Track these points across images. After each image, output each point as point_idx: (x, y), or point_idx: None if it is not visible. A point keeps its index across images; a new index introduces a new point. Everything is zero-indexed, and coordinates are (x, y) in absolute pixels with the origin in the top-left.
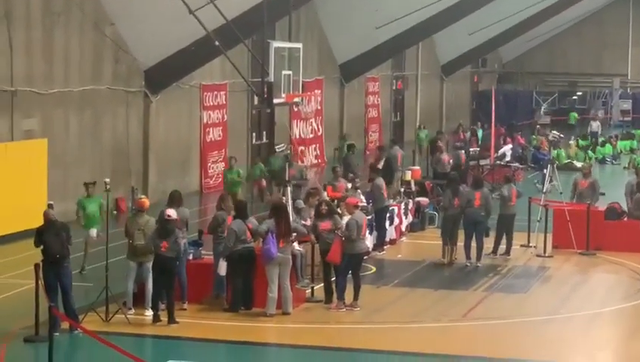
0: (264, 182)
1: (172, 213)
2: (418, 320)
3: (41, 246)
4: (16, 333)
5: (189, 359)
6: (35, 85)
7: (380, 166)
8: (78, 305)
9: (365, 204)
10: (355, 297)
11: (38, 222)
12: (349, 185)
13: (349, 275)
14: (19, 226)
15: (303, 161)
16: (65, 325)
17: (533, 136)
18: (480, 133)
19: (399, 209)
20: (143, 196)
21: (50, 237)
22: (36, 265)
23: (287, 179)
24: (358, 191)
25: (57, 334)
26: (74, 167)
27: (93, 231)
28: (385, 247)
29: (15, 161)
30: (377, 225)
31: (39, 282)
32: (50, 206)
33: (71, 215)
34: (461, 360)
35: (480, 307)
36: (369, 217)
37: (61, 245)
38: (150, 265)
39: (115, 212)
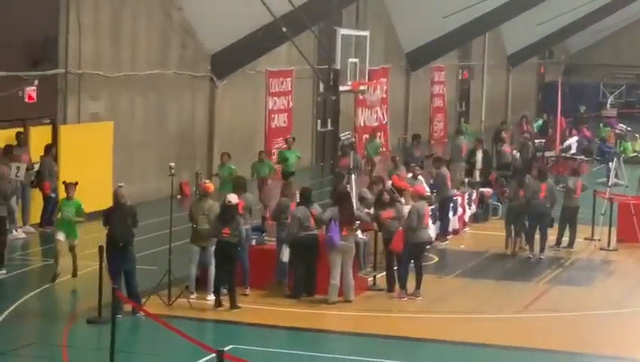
0: (270, 182)
1: (233, 198)
2: (480, 311)
3: (107, 228)
4: (79, 314)
5: (250, 344)
6: (102, 68)
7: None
8: (141, 288)
9: (429, 194)
10: (417, 286)
11: (104, 204)
12: (410, 175)
13: (412, 264)
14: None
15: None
16: (127, 307)
17: (602, 126)
18: (538, 123)
19: (463, 199)
20: (207, 181)
21: (116, 221)
22: (100, 248)
23: (350, 166)
24: (420, 178)
25: (120, 316)
26: (139, 151)
27: (61, 235)
28: (448, 237)
29: (81, 143)
30: (441, 215)
31: (103, 264)
32: (120, 187)
33: (135, 198)
34: (523, 352)
35: (542, 299)
36: (432, 207)
37: (126, 231)
38: (213, 249)
39: (179, 196)
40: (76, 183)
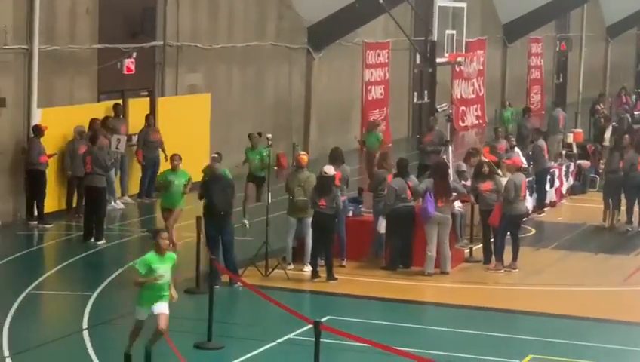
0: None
1: (330, 170)
2: (577, 284)
3: (205, 199)
4: (177, 284)
5: (346, 315)
6: (199, 40)
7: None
8: (238, 259)
9: (525, 165)
10: (514, 258)
11: (201, 175)
12: (508, 145)
13: (508, 236)
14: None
15: (464, 121)
16: (225, 278)
17: None
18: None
19: (560, 171)
20: (302, 152)
21: (216, 192)
22: (198, 218)
23: (447, 139)
24: (516, 150)
25: (217, 287)
26: (236, 122)
27: (163, 307)
28: (545, 209)
29: (179, 115)
30: (538, 187)
31: (201, 235)
32: (215, 159)
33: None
34: (620, 326)
35: None
36: (529, 179)
37: (226, 202)
38: (310, 221)
39: (276, 168)
40: (166, 231)
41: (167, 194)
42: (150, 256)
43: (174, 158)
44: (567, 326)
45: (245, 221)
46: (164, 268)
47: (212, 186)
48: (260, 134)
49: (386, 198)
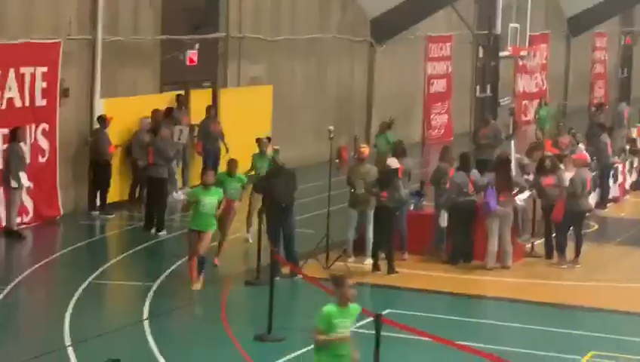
0: (236, 203)
1: (393, 162)
2: None
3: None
4: (238, 276)
5: (407, 309)
6: (262, 32)
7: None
8: (299, 251)
9: (589, 161)
10: (576, 254)
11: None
12: (574, 140)
13: (571, 231)
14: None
15: (526, 115)
16: (285, 270)
17: None
18: None
19: (624, 167)
20: (363, 145)
21: (278, 183)
22: (260, 210)
23: (510, 133)
24: (580, 145)
25: (278, 279)
26: (298, 114)
27: None
28: (608, 205)
29: (241, 106)
30: (601, 183)
31: (262, 227)
32: (276, 151)
33: (294, 161)
34: None
35: None
36: (592, 174)
37: (289, 193)
38: (371, 213)
39: (337, 160)
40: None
41: (195, 215)
42: (330, 308)
43: (207, 174)
44: (630, 323)
45: (249, 236)
46: (346, 324)
47: (274, 178)
48: (269, 139)
49: (448, 192)
